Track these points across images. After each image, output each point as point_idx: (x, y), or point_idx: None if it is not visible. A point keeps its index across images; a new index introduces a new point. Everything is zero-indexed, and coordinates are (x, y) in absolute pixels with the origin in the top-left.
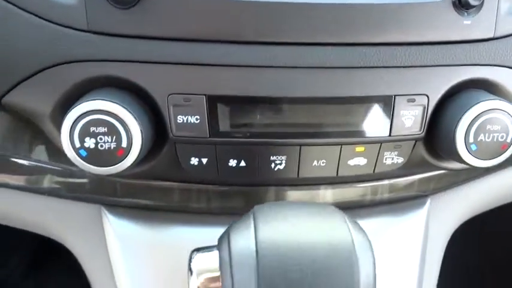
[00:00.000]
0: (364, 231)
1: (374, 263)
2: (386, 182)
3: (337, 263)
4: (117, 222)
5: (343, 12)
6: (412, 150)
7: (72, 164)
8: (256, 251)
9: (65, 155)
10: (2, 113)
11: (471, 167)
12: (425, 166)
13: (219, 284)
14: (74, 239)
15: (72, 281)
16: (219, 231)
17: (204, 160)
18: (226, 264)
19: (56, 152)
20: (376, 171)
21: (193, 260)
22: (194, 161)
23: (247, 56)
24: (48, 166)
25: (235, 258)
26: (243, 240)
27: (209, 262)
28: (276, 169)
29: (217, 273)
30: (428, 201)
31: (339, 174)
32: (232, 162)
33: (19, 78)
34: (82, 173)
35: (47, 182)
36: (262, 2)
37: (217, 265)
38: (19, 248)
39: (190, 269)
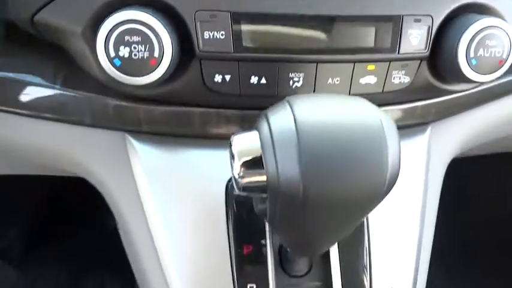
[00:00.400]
0: (389, 116)
1: (399, 144)
2: (391, 107)
3: (369, 140)
4: (141, 147)
5: None
6: (417, 70)
7: (97, 91)
8: (296, 129)
9: (90, 83)
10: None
11: (471, 90)
12: (429, 89)
13: (262, 168)
14: (98, 167)
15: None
16: None
17: (228, 77)
18: (268, 142)
19: (80, 81)
20: (385, 90)
21: (233, 143)
22: (218, 78)
23: None
24: (72, 94)
25: (277, 137)
26: (282, 120)
27: (249, 143)
28: (294, 86)
29: (258, 154)
30: (429, 128)
31: (352, 92)
32: (254, 79)
33: None
34: (105, 101)
35: (70, 110)
36: None
37: (257, 146)
38: (16, 220)
39: (231, 154)
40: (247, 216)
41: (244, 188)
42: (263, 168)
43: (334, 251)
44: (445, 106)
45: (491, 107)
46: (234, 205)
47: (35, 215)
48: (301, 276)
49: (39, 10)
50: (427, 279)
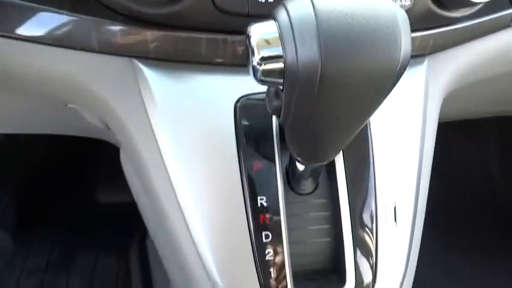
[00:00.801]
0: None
1: (410, 30)
2: None
3: (385, 22)
4: (149, 72)
5: None
6: None
7: (104, 16)
8: (315, 13)
9: (98, 9)
10: None
11: (468, 21)
12: (428, 17)
13: (280, 56)
14: (107, 92)
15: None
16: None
17: None
18: (287, 27)
19: (87, 8)
20: None
21: (251, 33)
22: None
23: None
24: (80, 18)
25: (295, 21)
26: (300, 6)
27: (267, 31)
28: None
29: (276, 41)
30: (426, 60)
31: None
32: None
33: None
34: (113, 26)
35: (77, 35)
36: None
37: (275, 33)
38: (9, 187)
39: (249, 43)
40: (255, 136)
41: (263, 75)
42: (281, 56)
43: (340, 169)
44: (442, 38)
45: (483, 42)
46: (243, 125)
47: (29, 182)
48: (308, 194)
49: None
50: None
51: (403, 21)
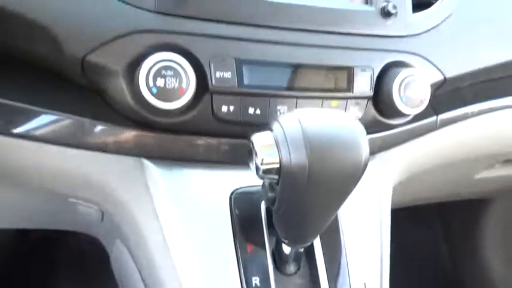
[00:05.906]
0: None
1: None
2: None
3: (351, 135)
4: (156, 169)
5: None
6: (366, 106)
7: (119, 122)
8: (301, 127)
9: (115, 115)
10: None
11: (404, 126)
12: (374, 123)
13: (276, 157)
14: (118, 185)
15: None
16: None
17: (232, 108)
18: (282, 136)
19: (106, 114)
20: None
21: (254, 140)
22: (224, 108)
23: (261, 33)
24: (99, 126)
25: (288, 132)
26: (290, 122)
27: (266, 139)
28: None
29: (273, 146)
30: (376, 157)
31: None
32: (251, 110)
33: (100, 42)
34: (127, 133)
35: (96, 138)
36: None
37: (272, 141)
38: None
39: (253, 147)
40: (248, 223)
41: (264, 172)
42: (276, 157)
43: (318, 252)
44: (386, 140)
45: (419, 141)
46: (237, 213)
47: None
48: (293, 274)
49: (91, 52)
50: None
51: (361, 130)
